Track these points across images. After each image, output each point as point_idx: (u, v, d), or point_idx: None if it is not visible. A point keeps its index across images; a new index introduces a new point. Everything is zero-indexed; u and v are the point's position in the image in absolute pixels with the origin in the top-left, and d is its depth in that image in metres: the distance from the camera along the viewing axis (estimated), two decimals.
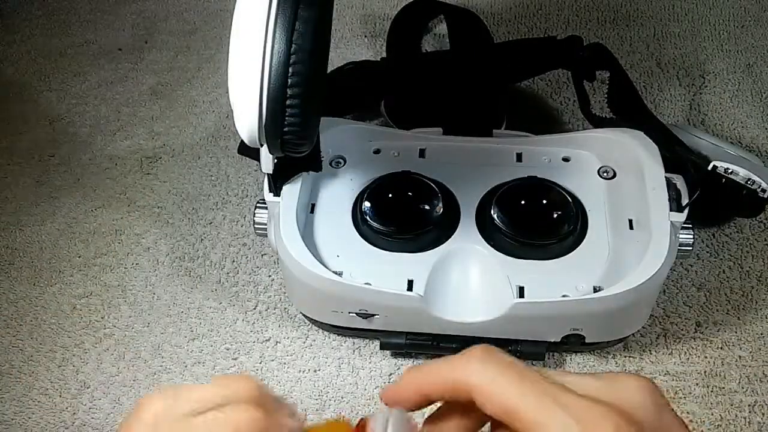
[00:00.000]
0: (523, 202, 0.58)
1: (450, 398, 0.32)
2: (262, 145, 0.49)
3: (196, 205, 0.71)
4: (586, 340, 0.56)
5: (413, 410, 0.33)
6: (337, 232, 0.58)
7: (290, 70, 0.44)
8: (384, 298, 0.54)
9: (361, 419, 0.34)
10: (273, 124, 0.46)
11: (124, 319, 0.64)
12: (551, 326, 0.55)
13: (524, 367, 0.31)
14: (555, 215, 0.57)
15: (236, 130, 0.48)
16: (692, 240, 0.56)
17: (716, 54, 0.82)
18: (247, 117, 0.46)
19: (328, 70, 0.56)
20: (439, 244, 0.57)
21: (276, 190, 0.57)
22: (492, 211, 0.57)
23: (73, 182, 0.74)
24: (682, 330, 0.60)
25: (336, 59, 0.79)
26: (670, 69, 0.80)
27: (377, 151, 0.64)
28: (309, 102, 0.46)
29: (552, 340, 0.56)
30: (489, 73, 0.71)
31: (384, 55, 0.79)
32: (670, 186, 0.57)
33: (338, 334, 0.61)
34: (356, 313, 0.56)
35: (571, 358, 0.60)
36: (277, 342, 0.62)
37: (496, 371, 0.30)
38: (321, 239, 0.58)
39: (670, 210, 0.55)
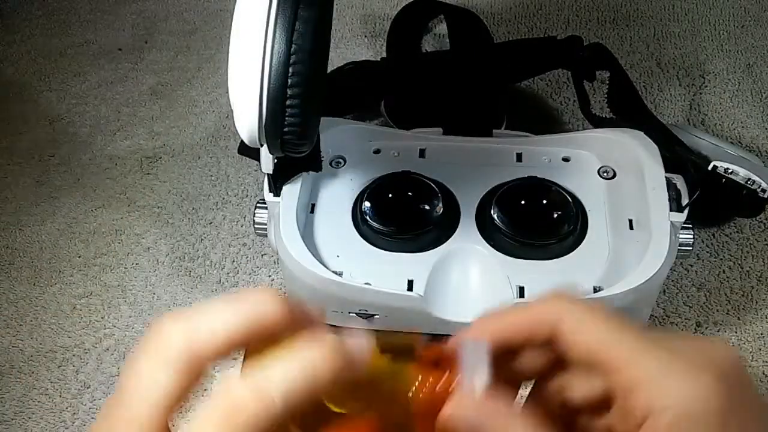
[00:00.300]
0: (523, 202, 0.58)
1: (526, 341, 0.31)
2: (262, 145, 0.49)
3: (196, 205, 0.71)
4: None
5: None
6: (337, 232, 0.58)
7: (290, 70, 0.44)
8: (384, 298, 0.54)
9: (448, 347, 0.32)
10: (273, 124, 0.46)
11: (124, 319, 0.64)
12: None
13: (612, 312, 0.30)
14: (555, 215, 0.57)
15: (236, 130, 0.48)
16: (692, 240, 0.56)
17: (716, 54, 0.82)
18: (247, 117, 0.46)
19: (328, 70, 0.56)
20: (439, 244, 0.57)
21: (276, 190, 0.57)
22: (492, 211, 0.57)
23: (73, 182, 0.74)
24: (682, 330, 0.60)
25: (336, 59, 0.79)
26: (670, 69, 0.80)
27: (377, 151, 0.64)
28: (309, 102, 0.46)
29: None
30: (489, 73, 0.71)
31: (384, 55, 0.79)
32: (670, 186, 0.57)
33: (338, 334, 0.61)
34: (356, 313, 0.56)
35: None
36: None
37: (585, 310, 0.30)
38: (321, 239, 0.58)
39: (670, 210, 0.55)
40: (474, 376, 0.31)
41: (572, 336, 0.29)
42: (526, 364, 0.32)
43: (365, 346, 0.30)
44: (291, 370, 0.27)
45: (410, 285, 0.55)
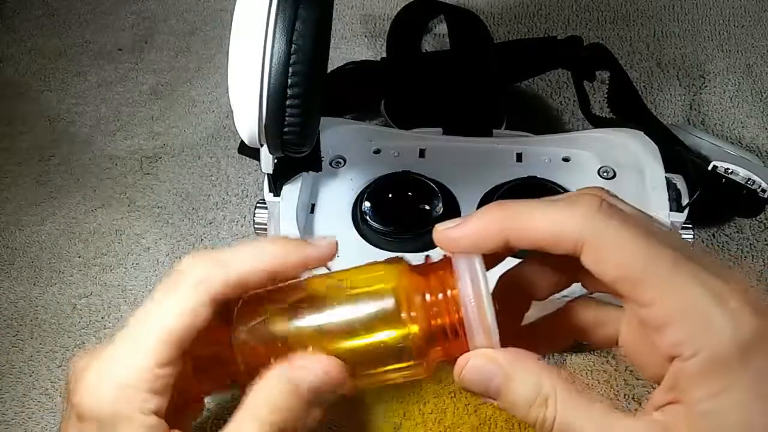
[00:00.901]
0: None
1: (541, 248, 0.28)
2: (262, 145, 0.49)
3: (196, 205, 0.71)
4: None
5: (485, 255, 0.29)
6: (337, 232, 0.58)
7: (290, 70, 0.44)
8: None
9: (440, 260, 0.32)
10: (273, 124, 0.46)
11: (125, 319, 0.63)
12: None
13: (651, 225, 0.27)
14: None
15: (236, 130, 0.48)
16: (692, 240, 0.56)
17: (716, 54, 0.82)
18: (247, 117, 0.46)
19: (328, 70, 0.56)
20: None
21: (276, 190, 0.57)
22: None
23: (73, 182, 0.74)
24: None
25: (336, 59, 0.79)
26: (670, 69, 0.80)
27: (377, 151, 0.64)
28: (309, 102, 0.46)
29: None
30: (489, 73, 0.71)
31: (384, 55, 0.79)
32: (670, 186, 0.57)
33: None
34: None
35: (571, 359, 0.60)
36: None
37: (620, 227, 0.26)
38: None
39: (670, 210, 0.55)
40: (474, 301, 0.29)
41: (600, 257, 0.26)
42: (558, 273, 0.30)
43: (327, 243, 0.35)
44: (243, 253, 0.34)
45: None
